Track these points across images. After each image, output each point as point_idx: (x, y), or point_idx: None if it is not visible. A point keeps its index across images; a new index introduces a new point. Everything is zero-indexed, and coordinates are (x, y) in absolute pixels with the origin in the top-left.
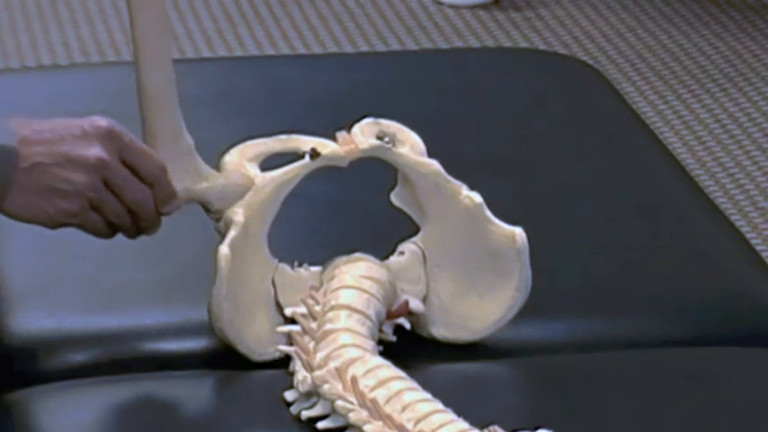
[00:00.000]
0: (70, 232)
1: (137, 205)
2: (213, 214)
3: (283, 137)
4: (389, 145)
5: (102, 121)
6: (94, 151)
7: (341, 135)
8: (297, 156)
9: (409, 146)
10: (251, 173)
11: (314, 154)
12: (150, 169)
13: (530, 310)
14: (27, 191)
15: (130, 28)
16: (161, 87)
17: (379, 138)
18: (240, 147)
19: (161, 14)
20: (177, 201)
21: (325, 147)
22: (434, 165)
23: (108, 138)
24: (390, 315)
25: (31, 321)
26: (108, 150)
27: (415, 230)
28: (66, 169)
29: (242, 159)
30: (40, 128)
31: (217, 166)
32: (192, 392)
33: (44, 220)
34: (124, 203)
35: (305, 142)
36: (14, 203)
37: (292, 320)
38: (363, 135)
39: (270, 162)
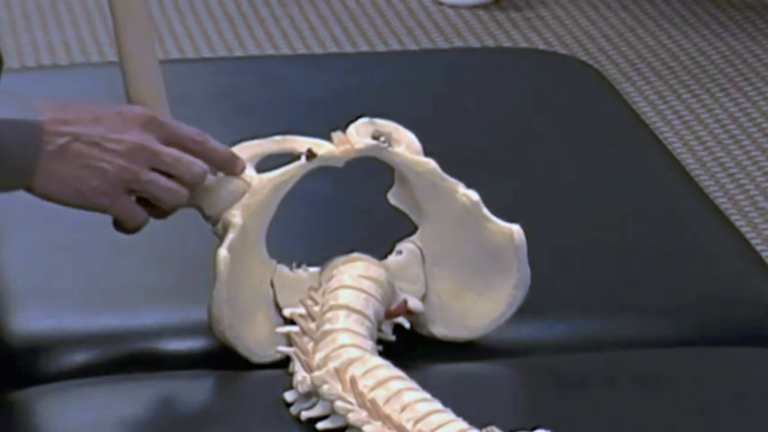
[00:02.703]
0: (71, 232)
1: (193, 178)
2: (209, 218)
3: (278, 138)
4: (385, 144)
5: (139, 109)
6: (132, 135)
7: (336, 135)
8: (293, 157)
9: (405, 145)
10: (246, 174)
11: (310, 155)
12: (193, 139)
13: (530, 309)
14: (61, 169)
15: (116, 40)
16: (148, 97)
17: (375, 137)
18: (236, 148)
19: (144, 26)
20: (241, 160)
21: (321, 147)
22: (431, 163)
23: (147, 124)
24: (389, 314)
25: (31, 321)
26: (146, 135)
27: (413, 229)
28: (102, 150)
29: None
30: (76, 108)
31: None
32: (192, 392)
33: (76, 200)
34: (184, 182)
35: (300, 143)
36: (46, 181)
37: (292, 321)
38: (359, 135)
39: (266, 163)
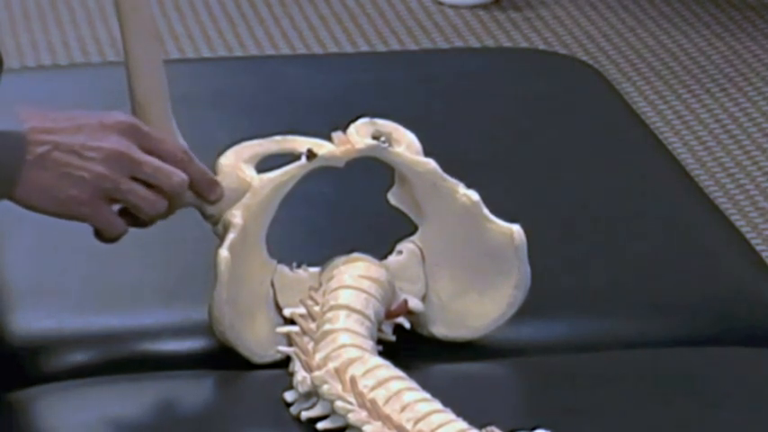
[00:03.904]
0: (71, 232)
1: (172, 188)
2: (209, 218)
3: (279, 138)
4: (386, 144)
5: (122, 116)
6: (111, 142)
7: (337, 135)
8: (293, 157)
9: (405, 145)
10: (247, 174)
11: (310, 155)
12: (175, 156)
13: (530, 310)
14: (40, 178)
15: (121, 38)
16: (151, 95)
17: (375, 137)
18: (236, 148)
19: (149, 25)
20: (220, 187)
21: (322, 147)
22: (431, 163)
23: (127, 131)
24: (390, 314)
25: (31, 321)
26: (126, 143)
27: (413, 229)
28: (81, 158)
29: (237, 161)
30: (57, 117)
31: (213, 168)
32: (192, 392)
33: (55, 209)
34: (164, 192)
35: (301, 143)
36: (26, 190)
37: (292, 321)
38: (359, 135)
39: (266, 163)
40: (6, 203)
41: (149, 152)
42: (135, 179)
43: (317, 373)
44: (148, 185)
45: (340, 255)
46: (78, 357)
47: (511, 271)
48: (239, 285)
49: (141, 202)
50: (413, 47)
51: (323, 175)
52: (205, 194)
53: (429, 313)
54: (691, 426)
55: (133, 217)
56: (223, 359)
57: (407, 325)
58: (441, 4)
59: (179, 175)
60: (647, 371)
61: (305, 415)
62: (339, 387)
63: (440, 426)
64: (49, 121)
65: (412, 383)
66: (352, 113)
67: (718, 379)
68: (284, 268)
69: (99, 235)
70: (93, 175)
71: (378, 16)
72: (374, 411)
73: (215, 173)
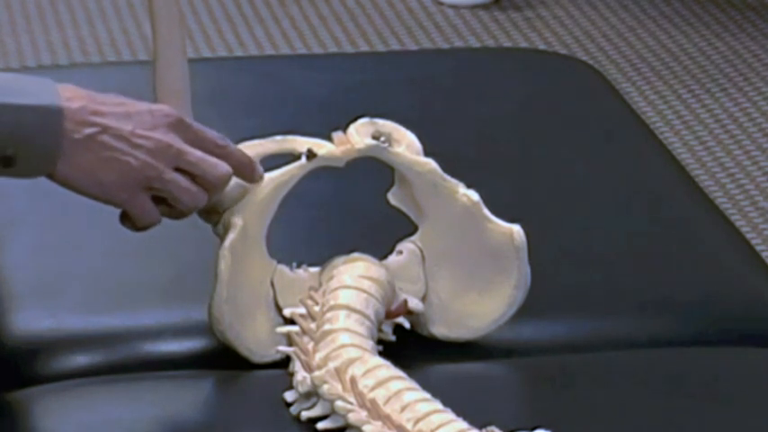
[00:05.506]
0: (71, 232)
1: (216, 179)
2: (212, 216)
3: (279, 138)
4: (386, 144)
5: (169, 109)
6: (160, 133)
7: (337, 135)
8: (293, 157)
9: (405, 145)
10: None
11: (310, 155)
12: (216, 144)
13: (529, 310)
14: (84, 159)
15: (151, 28)
16: (177, 88)
17: (375, 137)
18: None
19: (179, 19)
20: (259, 166)
21: (322, 147)
22: (431, 164)
23: (174, 124)
24: (389, 314)
25: (31, 321)
26: (173, 135)
27: (413, 230)
28: (130, 145)
29: None
30: (106, 100)
31: None
32: (192, 392)
33: (94, 190)
34: (207, 183)
35: (301, 143)
36: (68, 169)
37: (292, 321)
38: (359, 135)
39: (266, 163)
40: (6, 202)
41: (193, 145)
42: (178, 170)
43: (317, 373)
44: (191, 177)
45: (340, 255)
46: (78, 357)
47: (511, 271)
48: (239, 285)
49: (182, 194)
50: (413, 47)
51: (323, 175)
52: (249, 177)
53: (429, 313)
54: (690, 426)
55: (169, 207)
56: (223, 359)
57: (407, 325)
58: (441, 4)
59: (224, 167)
60: (646, 371)
61: (305, 415)
62: (339, 387)
63: (440, 426)
64: (98, 103)
65: (412, 383)
66: (352, 113)
67: (719, 379)
68: (284, 268)
69: (128, 221)
70: (139, 162)
71: (378, 16)
72: (374, 411)
73: None
